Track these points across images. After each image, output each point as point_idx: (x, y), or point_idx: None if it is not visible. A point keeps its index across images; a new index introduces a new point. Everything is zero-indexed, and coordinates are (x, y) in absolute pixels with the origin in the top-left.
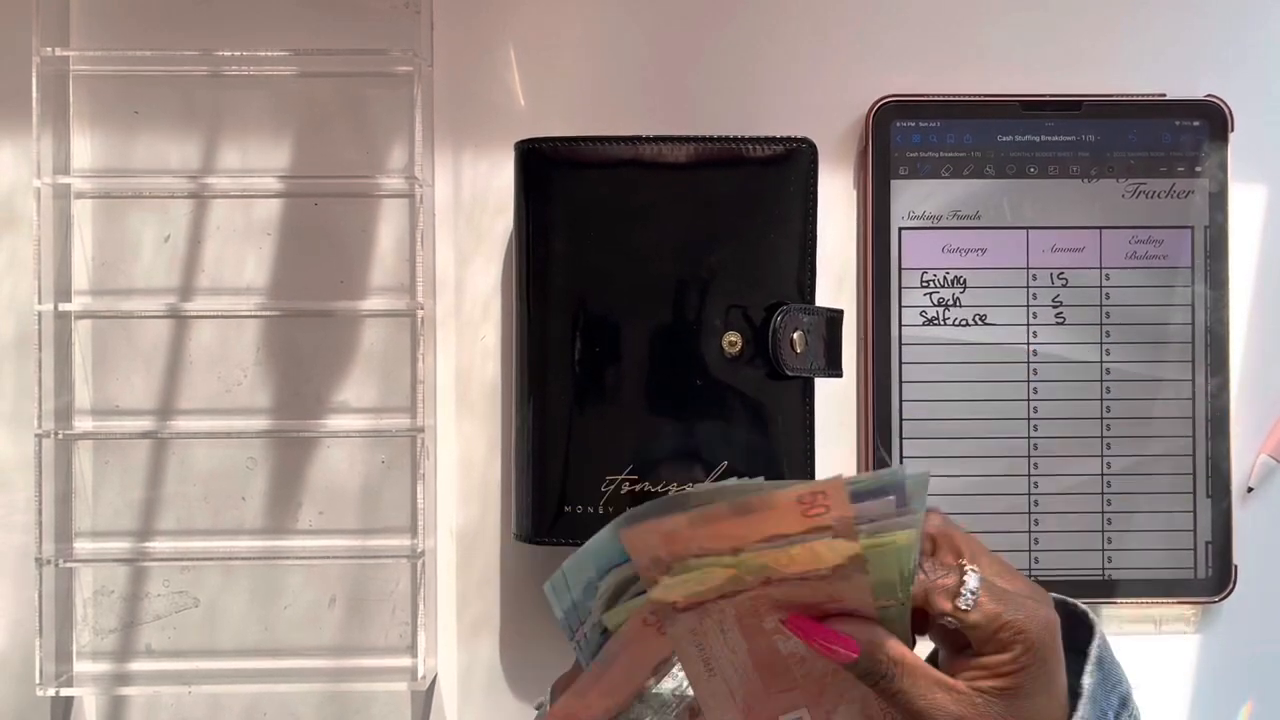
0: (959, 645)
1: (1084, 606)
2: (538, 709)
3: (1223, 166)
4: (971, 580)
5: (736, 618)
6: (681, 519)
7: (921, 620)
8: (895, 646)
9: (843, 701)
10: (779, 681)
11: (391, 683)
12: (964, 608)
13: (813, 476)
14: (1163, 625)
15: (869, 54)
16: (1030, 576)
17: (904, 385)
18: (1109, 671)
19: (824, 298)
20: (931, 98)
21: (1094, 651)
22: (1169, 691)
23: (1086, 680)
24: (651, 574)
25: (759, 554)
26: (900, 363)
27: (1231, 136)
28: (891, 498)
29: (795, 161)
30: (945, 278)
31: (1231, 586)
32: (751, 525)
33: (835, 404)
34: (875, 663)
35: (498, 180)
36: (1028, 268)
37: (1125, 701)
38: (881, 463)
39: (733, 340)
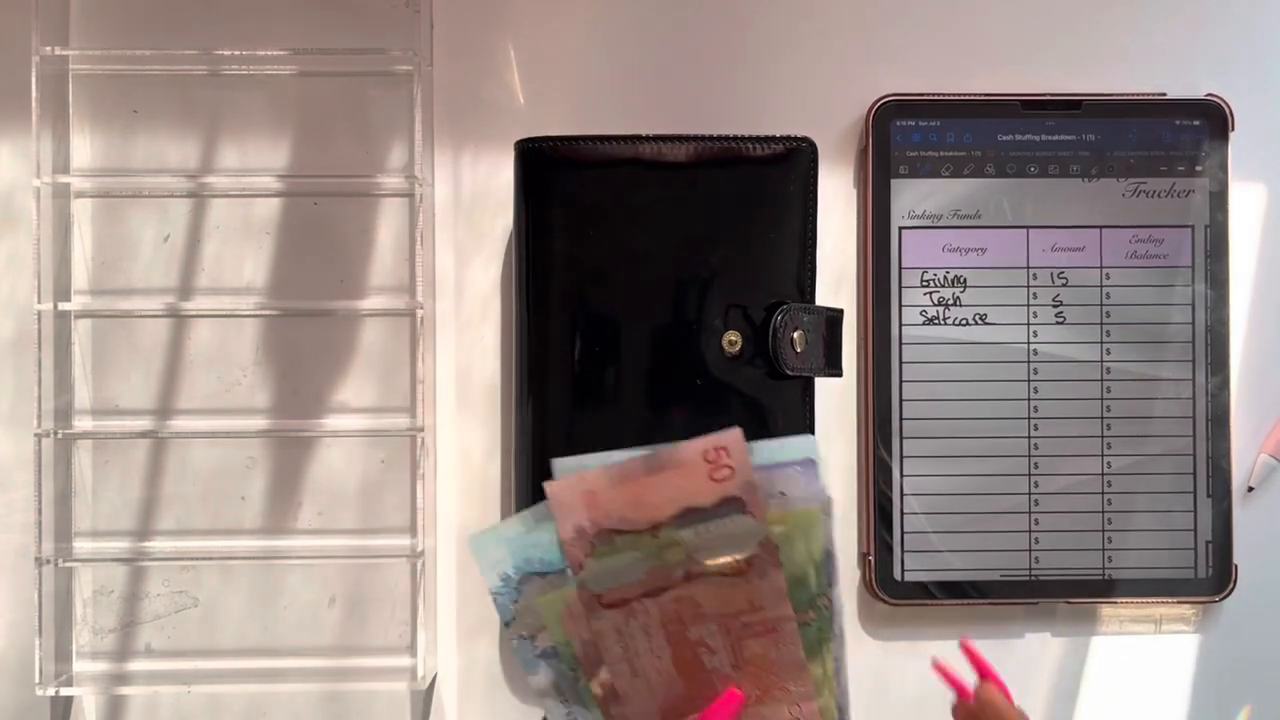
0: None
1: None
2: None
3: (1223, 166)
4: None
5: (661, 622)
6: (601, 475)
7: None
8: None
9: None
10: (702, 690)
11: (391, 683)
12: None
13: None
14: (1163, 625)
15: (869, 54)
16: (1030, 577)
17: (904, 385)
18: None
19: (824, 297)
20: (931, 97)
21: None
22: (1169, 691)
23: None
24: (576, 552)
25: (676, 532)
26: (900, 362)
27: (1232, 136)
28: (797, 468)
29: (795, 161)
30: (945, 277)
31: (1232, 586)
32: (665, 485)
33: (835, 404)
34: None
35: (498, 180)
36: (1028, 267)
37: None
38: (881, 463)
39: (733, 340)
